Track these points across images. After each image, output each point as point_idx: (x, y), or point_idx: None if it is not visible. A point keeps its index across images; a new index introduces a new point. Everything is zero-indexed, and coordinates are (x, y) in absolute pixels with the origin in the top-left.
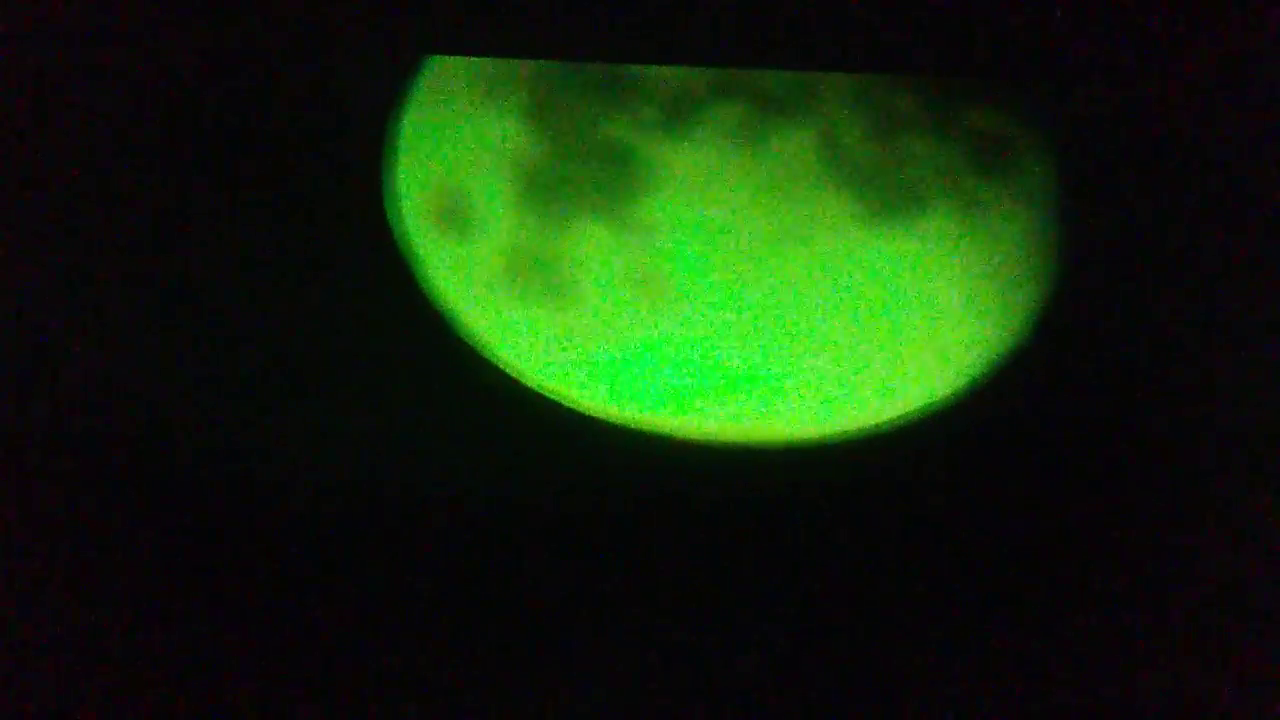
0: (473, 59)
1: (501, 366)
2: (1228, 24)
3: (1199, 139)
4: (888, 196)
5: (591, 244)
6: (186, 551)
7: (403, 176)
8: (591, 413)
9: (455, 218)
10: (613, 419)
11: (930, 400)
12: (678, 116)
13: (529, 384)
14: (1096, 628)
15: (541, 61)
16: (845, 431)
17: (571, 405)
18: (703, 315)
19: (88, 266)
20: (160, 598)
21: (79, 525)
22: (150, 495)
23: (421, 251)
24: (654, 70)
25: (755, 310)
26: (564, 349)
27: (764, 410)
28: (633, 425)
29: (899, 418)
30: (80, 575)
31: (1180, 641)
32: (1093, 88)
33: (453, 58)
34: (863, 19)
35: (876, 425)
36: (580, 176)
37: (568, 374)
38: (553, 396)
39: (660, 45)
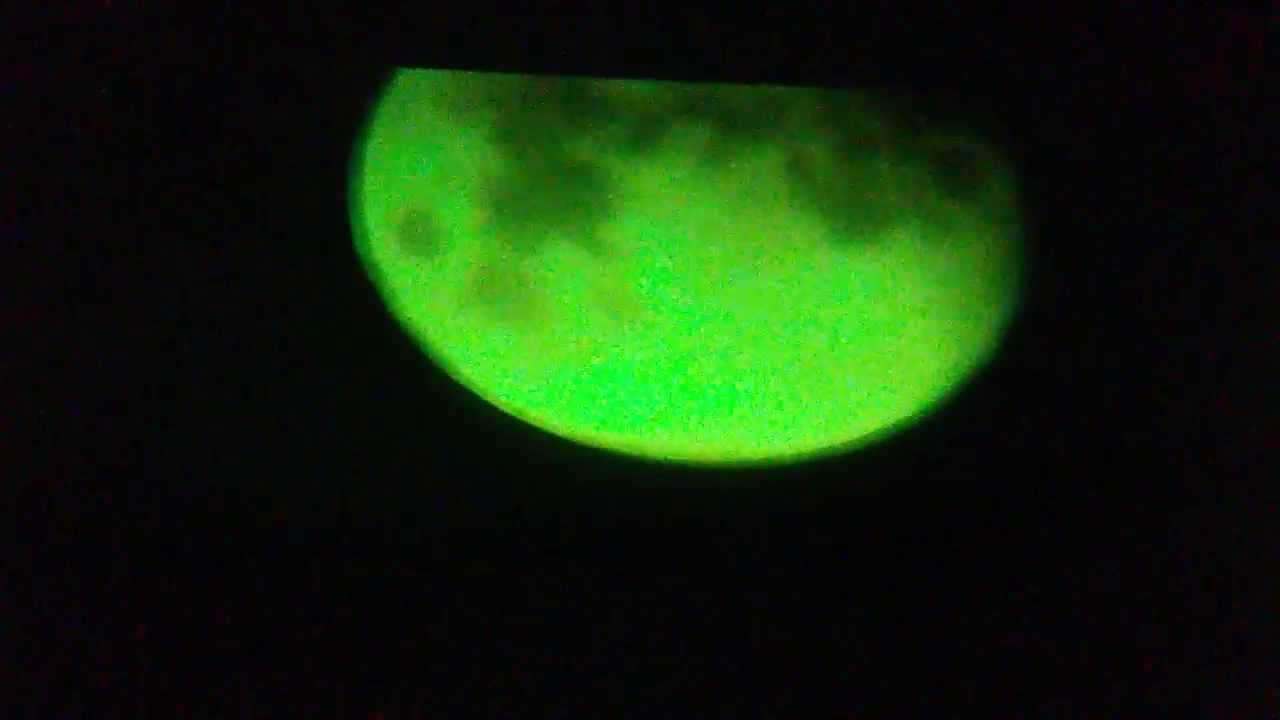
0: (440, 76)
1: (469, 387)
2: (1192, 39)
3: (1164, 155)
4: (855, 216)
5: (559, 263)
6: (142, 569)
7: (369, 194)
8: (559, 432)
9: (422, 237)
10: (580, 439)
11: (897, 418)
12: (645, 136)
13: (496, 404)
14: (1061, 641)
15: (508, 80)
16: (812, 450)
17: (538, 425)
18: (670, 335)
19: (36, 282)
20: (121, 612)
21: (32, 542)
22: (105, 511)
23: (388, 270)
24: (621, 89)
25: (723, 329)
26: (531, 369)
27: (732, 429)
28: (600, 445)
29: (866, 436)
30: (35, 590)
31: (1145, 653)
32: (1057, 105)
33: (420, 75)
34: (829, 35)
35: (844, 443)
36: (547, 196)
37: (535, 394)
38: (520, 416)
39: (632, 60)
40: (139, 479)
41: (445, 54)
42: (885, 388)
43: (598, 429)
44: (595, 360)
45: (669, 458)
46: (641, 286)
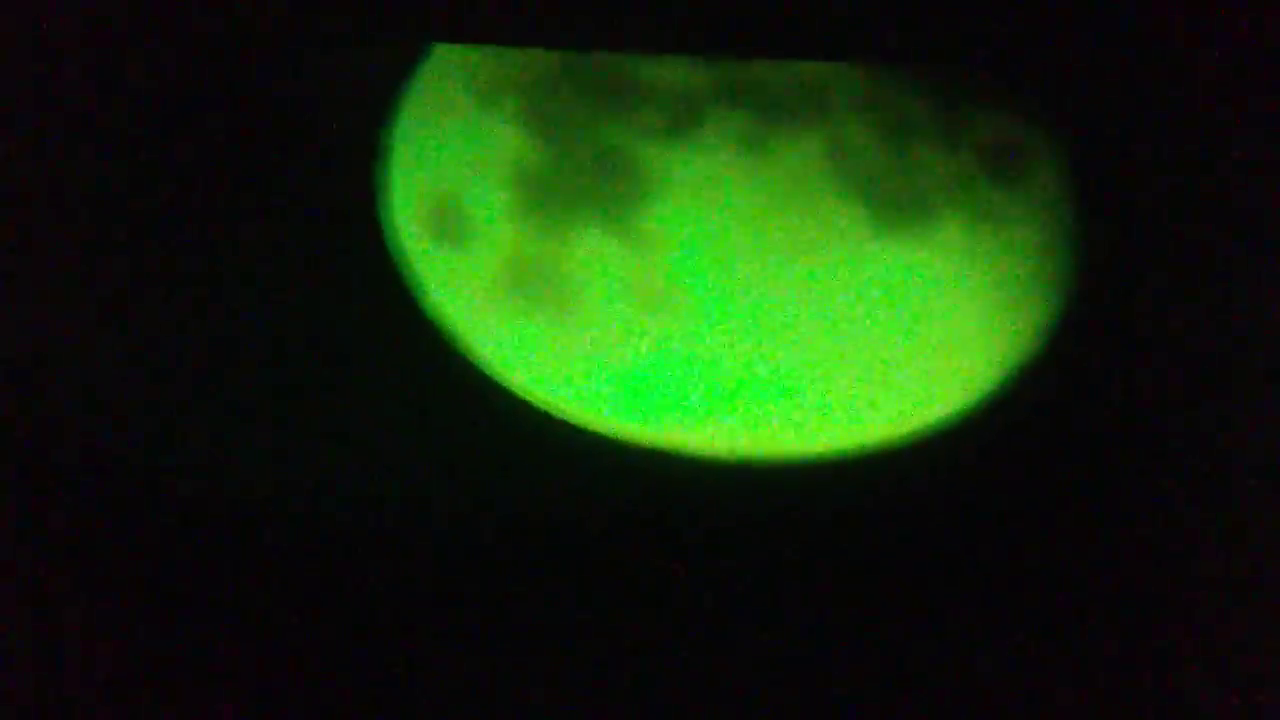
0: (470, 56)
1: (500, 381)
2: (1249, 23)
3: (1220, 144)
4: (898, 205)
5: (592, 254)
6: (170, 562)
7: (396, 180)
8: (593, 429)
9: (450, 226)
10: (615, 435)
11: (942, 416)
12: (681, 122)
13: (528, 399)
14: (1109, 644)
15: (540, 64)
16: (854, 448)
17: (572, 421)
18: (708, 328)
19: (55, 271)
20: (140, 604)
21: (47, 533)
22: (130, 504)
23: (416, 261)
24: (657, 73)
25: (762, 323)
26: (563, 361)
27: (771, 426)
28: (635, 442)
29: (911, 434)
30: (46, 583)
31: (1194, 651)
32: (1110, 92)
33: (449, 54)
34: (870, 9)
35: (887, 442)
36: (580, 184)
37: (567, 387)
38: (553, 412)
39: (674, 36)
40: (154, 474)
41: (476, 29)
42: (928, 384)
43: (631, 424)
44: (628, 354)
45: (704, 454)
46: (676, 278)
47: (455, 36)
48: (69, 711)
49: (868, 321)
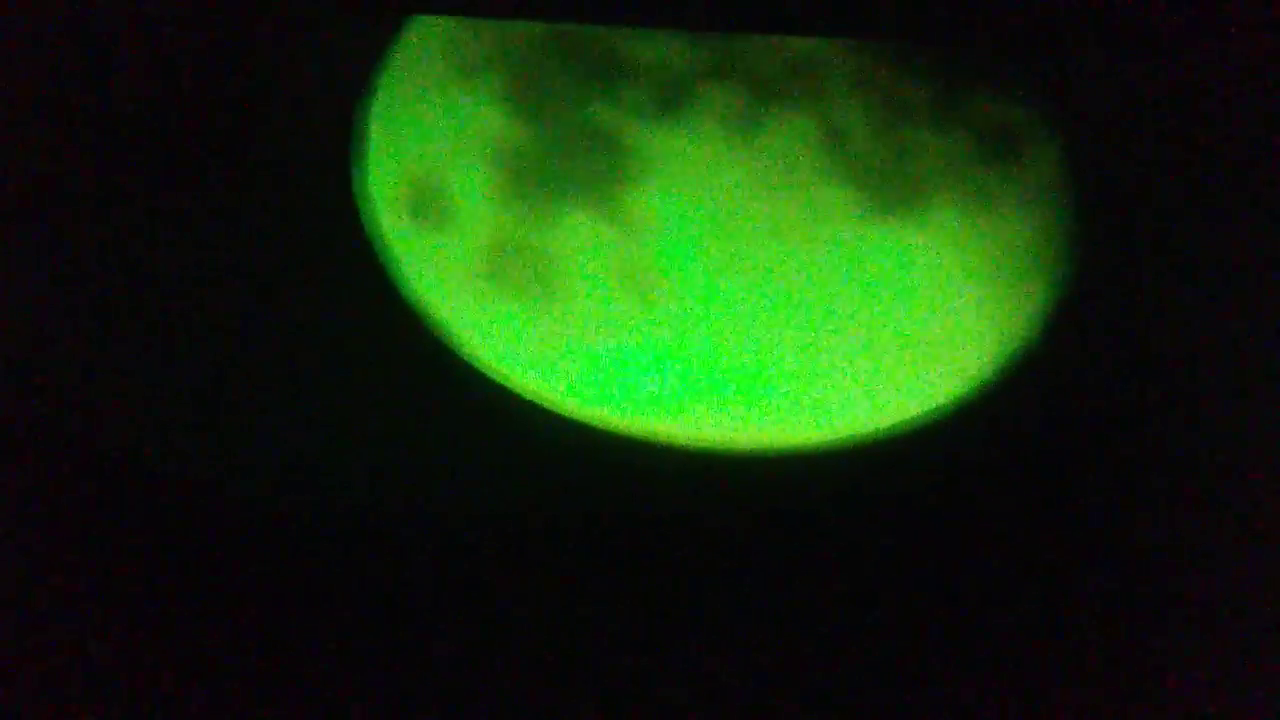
0: (452, 28)
1: (480, 368)
2: (1248, 10)
3: (1218, 128)
4: (892, 189)
5: (577, 237)
6: (148, 559)
7: (374, 161)
8: (576, 417)
9: (430, 207)
10: (599, 424)
11: (937, 404)
12: (670, 101)
13: (510, 386)
14: (1103, 634)
15: (524, 38)
16: (846, 437)
17: (555, 409)
18: (696, 314)
19: (29, 258)
20: (126, 604)
21: (33, 529)
22: (107, 498)
23: (394, 244)
24: (645, 49)
25: (751, 308)
26: (547, 349)
27: (760, 415)
28: (621, 430)
29: (904, 422)
30: (38, 582)
31: (1186, 648)
32: (1106, 74)
33: (430, 26)
34: None
35: (880, 430)
36: (566, 165)
37: (551, 376)
38: (535, 400)
39: (663, 9)
40: (136, 468)
41: (458, 0)
42: (922, 372)
43: (617, 413)
44: (615, 340)
45: (692, 444)
46: (665, 262)
47: (435, 7)
48: (69, 711)
49: (859, 308)
